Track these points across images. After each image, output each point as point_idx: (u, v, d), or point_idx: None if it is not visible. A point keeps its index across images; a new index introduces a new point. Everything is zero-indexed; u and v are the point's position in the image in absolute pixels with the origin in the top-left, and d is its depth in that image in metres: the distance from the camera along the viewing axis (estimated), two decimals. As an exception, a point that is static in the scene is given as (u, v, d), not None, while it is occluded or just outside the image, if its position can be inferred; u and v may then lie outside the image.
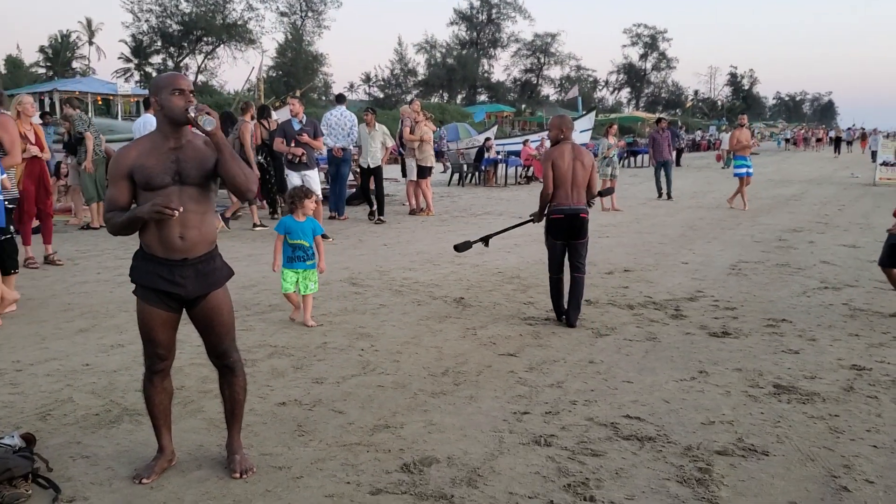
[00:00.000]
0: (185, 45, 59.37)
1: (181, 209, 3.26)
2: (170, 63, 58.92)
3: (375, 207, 13.42)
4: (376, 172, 13.26)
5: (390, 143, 13.50)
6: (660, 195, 17.65)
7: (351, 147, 13.16)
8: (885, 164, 22.40)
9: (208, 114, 3.27)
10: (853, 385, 4.91)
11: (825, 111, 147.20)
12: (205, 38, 59.18)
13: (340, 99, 14.01)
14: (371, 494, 3.42)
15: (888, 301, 7.26)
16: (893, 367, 5.28)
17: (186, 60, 60.34)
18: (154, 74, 56.69)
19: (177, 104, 3.29)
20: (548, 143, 8.08)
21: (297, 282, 6.25)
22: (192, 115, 3.25)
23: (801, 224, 13.19)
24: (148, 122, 10.65)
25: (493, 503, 3.36)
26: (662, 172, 17.80)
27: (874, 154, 30.17)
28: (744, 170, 15.82)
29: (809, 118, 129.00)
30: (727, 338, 6.02)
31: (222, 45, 59.79)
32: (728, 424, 4.26)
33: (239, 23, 58.59)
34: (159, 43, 59.28)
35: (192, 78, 54.94)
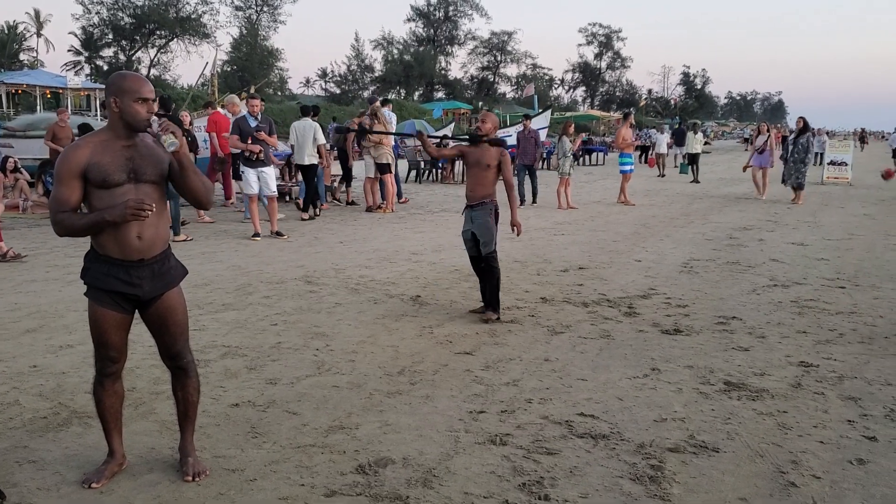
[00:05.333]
0: (138, 38, 58.29)
1: (154, 207, 3.21)
2: (122, 56, 57.84)
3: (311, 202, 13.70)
4: (311, 170, 13.29)
5: (321, 140, 13.39)
6: (522, 201, 15.53)
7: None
8: (832, 163, 22.91)
9: (173, 133, 3.23)
10: (801, 382, 5.02)
11: (775, 110, 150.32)
12: (158, 32, 58.18)
13: (384, 102, 15.43)
14: (326, 496, 3.40)
15: (835, 298, 7.43)
16: (840, 364, 5.40)
17: (139, 54, 59.31)
18: (105, 68, 55.61)
19: (140, 114, 3.25)
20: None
21: None
22: (156, 130, 3.22)
23: (750, 222, 13.43)
24: None
25: (448, 503, 3.36)
26: (527, 177, 16.14)
27: (819, 156, 30.29)
28: (628, 167, 16.24)
29: (760, 117, 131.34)
30: (679, 335, 6.10)
31: (176, 39, 58.87)
32: (680, 421, 4.33)
33: (193, 16, 57.72)
34: (110, 36, 58.12)
35: (144, 72, 54.04)
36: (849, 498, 3.46)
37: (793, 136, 17.36)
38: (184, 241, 10.30)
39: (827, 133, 57.05)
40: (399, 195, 15.93)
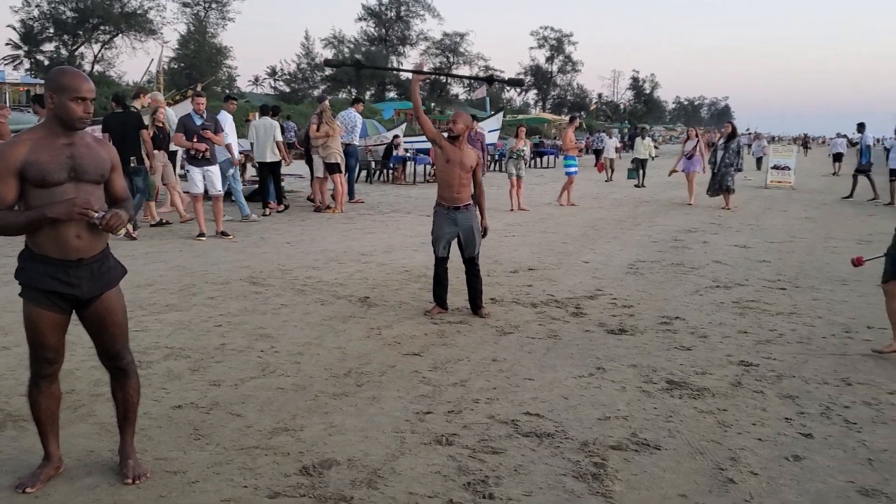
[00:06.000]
0: (81, 33, 56.93)
1: (99, 212, 3.15)
2: (63, 52, 56.35)
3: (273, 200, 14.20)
4: (274, 167, 13.95)
5: (279, 137, 13.94)
6: None
7: (355, 142, 15.83)
8: (775, 167, 23.44)
9: (114, 216, 3.20)
10: (741, 380, 5.12)
11: (722, 115, 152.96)
12: (102, 27, 56.86)
13: (355, 101, 16.36)
14: (269, 498, 3.38)
15: (776, 299, 7.60)
16: (779, 363, 5.53)
17: (82, 49, 57.88)
18: (46, 63, 54.20)
19: (75, 113, 3.18)
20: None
21: None
22: (96, 221, 3.17)
23: (695, 225, 13.67)
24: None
25: (392, 503, 3.36)
26: None
27: (759, 160, 31.82)
28: (573, 168, 16.50)
29: (707, 122, 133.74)
30: (624, 335, 6.19)
31: (121, 35, 57.59)
32: (623, 419, 4.39)
33: (138, 12, 56.58)
34: (52, 30, 56.61)
35: (88, 68, 52.82)
36: (784, 493, 3.55)
37: (722, 141, 17.01)
38: (130, 238, 10.24)
39: (772, 139, 58.44)
40: (351, 195, 16.03)
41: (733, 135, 16.64)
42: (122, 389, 3.55)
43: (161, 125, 11.86)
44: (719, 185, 16.36)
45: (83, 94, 3.19)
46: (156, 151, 11.56)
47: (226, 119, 12.13)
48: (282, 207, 14.09)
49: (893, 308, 5.67)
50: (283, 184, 15.92)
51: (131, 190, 10.66)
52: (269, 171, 13.92)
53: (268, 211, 13.64)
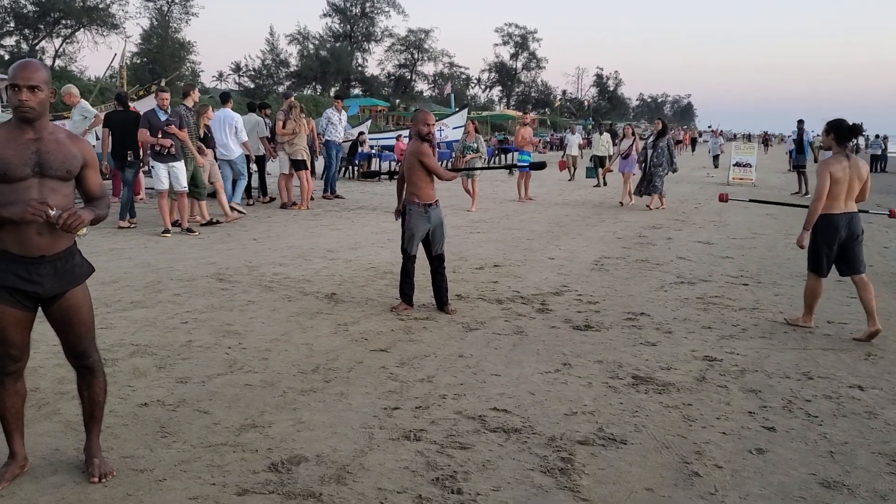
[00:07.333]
0: (42, 27, 55.92)
1: (52, 212, 3.10)
2: (24, 46, 55.35)
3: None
4: (258, 161, 14.94)
5: (263, 133, 14.64)
6: None
7: (338, 139, 16.53)
8: (737, 164, 23.76)
9: (71, 215, 3.12)
10: (705, 375, 5.21)
11: (685, 112, 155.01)
12: (63, 21, 55.90)
13: (337, 97, 18.18)
14: (237, 495, 3.37)
15: (739, 295, 7.73)
16: (742, 358, 5.63)
17: (43, 44, 56.87)
18: (7, 57, 53.18)
19: (10, 101, 3.15)
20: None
21: None
22: (53, 219, 3.11)
23: (659, 221, 13.81)
24: (227, 117, 12.61)
25: (361, 500, 3.37)
26: None
27: (715, 158, 33.01)
28: (525, 164, 16.55)
29: (670, 119, 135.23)
30: (590, 331, 6.25)
31: (82, 29, 56.69)
32: (589, 415, 4.44)
33: (101, 6, 55.70)
34: (12, 24, 55.55)
35: (49, 63, 51.87)
36: (748, 485, 3.62)
37: (651, 139, 16.00)
38: (128, 227, 11.03)
39: (733, 136, 59.22)
40: (333, 190, 16.53)
41: (663, 132, 15.85)
42: (89, 388, 3.52)
43: (208, 125, 12.02)
44: (647, 186, 15.61)
45: (16, 81, 3.14)
46: (207, 150, 11.84)
47: (236, 118, 12.75)
48: (267, 199, 15.04)
49: (807, 290, 6.55)
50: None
51: (126, 180, 11.48)
52: (255, 165, 14.80)
53: (264, 199, 14.95)
